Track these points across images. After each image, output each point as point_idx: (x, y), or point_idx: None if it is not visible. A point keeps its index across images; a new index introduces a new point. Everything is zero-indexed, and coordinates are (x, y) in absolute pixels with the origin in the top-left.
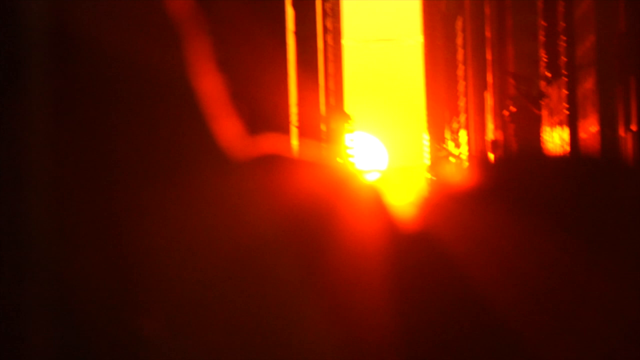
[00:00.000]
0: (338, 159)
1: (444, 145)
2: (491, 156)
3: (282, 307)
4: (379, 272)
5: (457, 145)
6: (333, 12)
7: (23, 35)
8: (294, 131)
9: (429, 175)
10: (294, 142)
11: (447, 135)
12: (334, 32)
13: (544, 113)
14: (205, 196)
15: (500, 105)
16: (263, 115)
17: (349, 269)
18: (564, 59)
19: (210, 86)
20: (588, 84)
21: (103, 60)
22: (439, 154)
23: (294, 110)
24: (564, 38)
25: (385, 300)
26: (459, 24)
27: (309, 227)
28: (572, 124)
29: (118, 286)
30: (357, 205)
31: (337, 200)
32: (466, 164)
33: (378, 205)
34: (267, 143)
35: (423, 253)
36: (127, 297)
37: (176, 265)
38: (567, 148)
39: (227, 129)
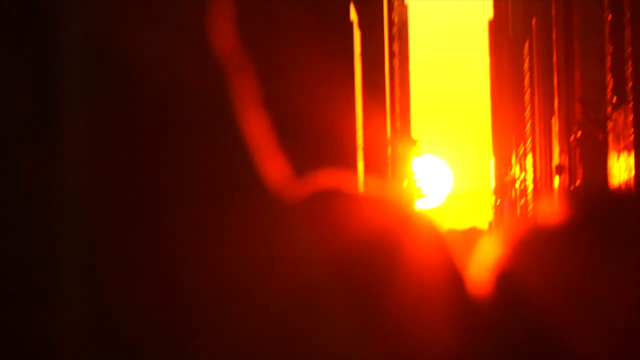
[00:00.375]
0: (403, 196)
1: (510, 170)
2: (557, 181)
3: (334, 356)
4: (443, 326)
5: (523, 170)
6: (400, 35)
7: (63, 58)
8: (359, 154)
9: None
10: (359, 167)
11: (513, 159)
12: (401, 56)
13: (610, 138)
14: (255, 239)
15: (566, 130)
16: (329, 137)
17: (409, 319)
18: (630, 83)
19: (259, 121)
20: None
21: (146, 90)
22: (505, 178)
23: (360, 133)
24: (631, 63)
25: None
26: (526, 48)
27: (366, 271)
28: (638, 149)
29: (163, 332)
30: (421, 252)
31: (400, 244)
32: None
33: (444, 254)
34: (323, 178)
35: (500, 309)
36: (171, 340)
37: (223, 312)
38: (632, 173)
39: (279, 165)
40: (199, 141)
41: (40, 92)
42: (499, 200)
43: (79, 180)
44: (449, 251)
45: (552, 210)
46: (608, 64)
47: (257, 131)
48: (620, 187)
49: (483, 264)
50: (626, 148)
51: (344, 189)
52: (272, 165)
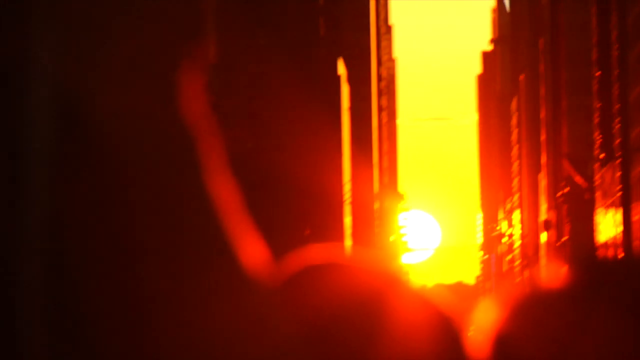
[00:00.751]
0: (388, 262)
1: (497, 225)
2: (544, 236)
3: None
4: None
5: (511, 225)
6: (388, 90)
7: (31, 114)
8: (346, 209)
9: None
10: (346, 222)
11: (501, 214)
12: (389, 110)
13: (598, 195)
14: (227, 308)
15: (553, 186)
16: (316, 191)
17: None
18: (618, 140)
19: (230, 184)
20: None
21: (114, 147)
22: (492, 233)
23: (347, 187)
24: (619, 120)
25: None
26: (513, 104)
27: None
28: (626, 205)
29: None
30: (409, 317)
31: (385, 314)
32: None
33: (441, 329)
34: (305, 254)
35: None
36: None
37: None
38: (620, 229)
39: (253, 249)
40: (167, 201)
41: (6, 149)
42: (486, 255)
43: (41, 240)
44: (439, 313)
45: (549, 274)
46: (596, 120)
47: (228, 195)
48: (608, 247)
49: (481, 327)
50: (613, 204)
51: (325, 262)
52: (245, 235)
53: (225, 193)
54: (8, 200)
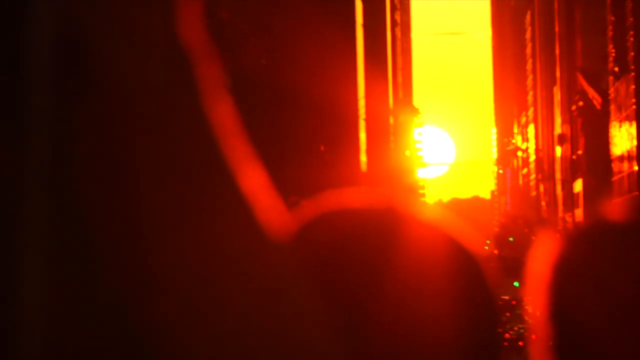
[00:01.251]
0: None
1: (512, 139)
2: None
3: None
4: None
5: (525, 139)
6: (402, 5)
7: (31, 59)
8: (361, 124)
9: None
10: (361, 138)
11: (515, 129)
12: (403, 26)
13: (612, 108)
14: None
15: (568, 100)
16: (331, 108)
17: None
18: (632, 54)
19: (231, 129)
20: None
21: (116, 92)
22: (507, 148)
23: (362, 103)
24: (633, 33)
25: None
26: (528, 18)
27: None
28: None
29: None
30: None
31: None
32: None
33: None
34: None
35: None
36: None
37: (194, 313)
38: (635, 142)
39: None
40: (172, 143)
41: (8, 92)
42: (501, 170)
43: (44, 184)
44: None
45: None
46: (610, 34)
47: (231, 130)
48: (622, 160)
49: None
50: (628, 118)
51: (335, 209)
52: (252, 177)
53: (231, 130)
54: (8, 153)
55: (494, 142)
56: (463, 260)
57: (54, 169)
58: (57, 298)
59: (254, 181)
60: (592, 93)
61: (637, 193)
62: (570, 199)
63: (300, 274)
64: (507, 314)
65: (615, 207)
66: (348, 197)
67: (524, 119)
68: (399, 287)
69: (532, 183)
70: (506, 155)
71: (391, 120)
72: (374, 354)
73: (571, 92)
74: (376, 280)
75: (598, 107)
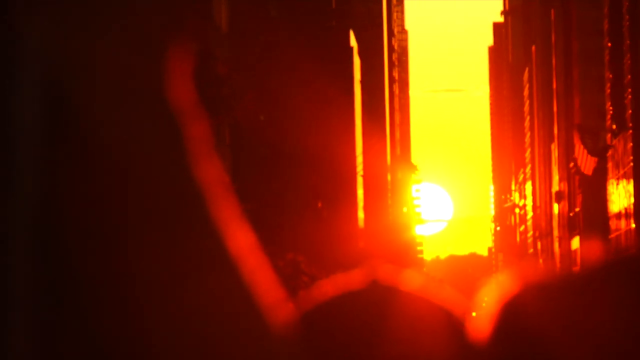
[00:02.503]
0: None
1: (510, 196)
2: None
3: None
4: None
5: (523, 196)
6: (400, 62)
7: (19, 103)
8: (359, 181)
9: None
10: (359, 194)
11: (513, 186)
12: (401, 82)
13: (610, 165)
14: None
15: (566, 157)
16: (329, 164)
17: None
18: (630, 111)
19: (227, 203)
20: None
21: (100, 136)
22: (504, 205)
23: (359, 160)
24: (630, 91)
25: None
26: (525, 75)
27: None
28: (638, 176)
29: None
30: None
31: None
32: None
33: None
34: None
35: None
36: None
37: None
38: (632, 200)
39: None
40: (158, 194)
41: None
42: (498, 227)
43: (35, 234)
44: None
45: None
46: (607, 91)
47: (218, 185)
48: (620, 218)
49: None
50: (625, 175)
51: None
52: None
53: (221, 189)
54: None
55: (492, 199)
56: (452, 329)
57: (42, 225)
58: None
59: (243, 241)
60: (590, 150)
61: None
62: (567, 257)
63: (298, 352)
64: None
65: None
66: (343, 282)
67: (521, 176)
68: (390, 355)
69: (530, 240)
70: (503, 212)
71: (389, 177)
72: None
73: (569, 150)
74: (374, 354)
75: (594, 165)
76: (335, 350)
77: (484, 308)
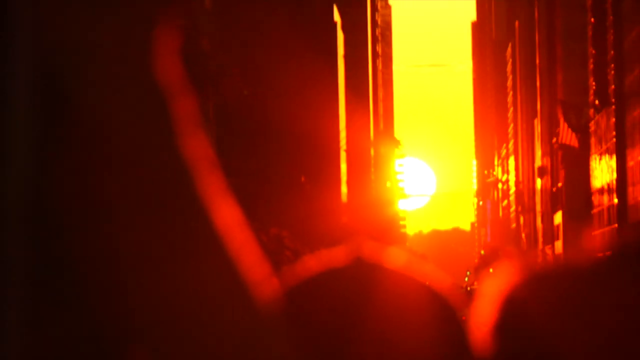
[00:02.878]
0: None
1: (493, 171)
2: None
3: None
4: None
5: (506, 172)
6: (383, 37)
7: (10, 82)
8: (342, 156)
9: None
10: (342, 169)
11: (496, 161)
12: (384, 57)
13: (593, 141)
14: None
15: (549, 133)
16: (313, 139)
17: None
18: (612, 87)
19: (214, 183)
20: (637, 112)
21: (92, 115)
22: (487, 180)
23: (343, 134)
24: (613, 66)
25: None
26: (509, 51)
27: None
28: (620, 152)
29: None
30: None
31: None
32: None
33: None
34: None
35: None
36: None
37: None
38: (614, 175)
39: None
40: (145, 171)
41: None
42: (481, 202)
43: (25, 213)
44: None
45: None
46: (590, 66)
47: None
48: (602, 193)
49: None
50: (608, 151)
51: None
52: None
53: (207, 164)
54: None
55: (475, 174)
56: (436, 305)
57: (34, 204)
58: (37, 333)
59: (230, 217)
60: (572, 126)
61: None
62: (550, 232)
63: (276, 324)
64: None
65: (594, 240)
66: (327, 258)
67: (504, 151)
68: (379, 335)
69: (512, 215)
70: (486, 187)
71: (372, 152)
72: None
73: (552, 125)
74: (358, 331)
75: (577, 141)
76: (319, 326)
77: (483, 297)
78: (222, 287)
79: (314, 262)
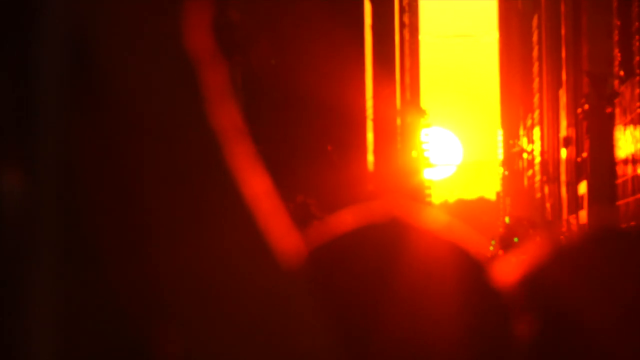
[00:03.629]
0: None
1: (518, 141)
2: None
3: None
4: None
5: (531, 142)
6: (410, 7)
7: (42, 61)
8: (369, 125)
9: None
10: (368, 138)
11: (521, 131)
12: (411, 27)
13: (617, 111)
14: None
15: (574, 103)
16: (339, 109)
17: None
18: (637, 58)
19: (244, 151)
20: None
21: (123, 94)
22: (512, 150)
23: (369, 104)
24: (638, 37)
25: None
26: (535, 21)
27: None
28: None
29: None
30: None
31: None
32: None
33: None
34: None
35: None
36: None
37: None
38: (638, 146)
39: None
40: (178, 147)
41: (19, 94)
42: (506, 171)
43: (55, 183)
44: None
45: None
46: (615, 38)
47: (233, 132)
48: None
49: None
50: (632, 121)
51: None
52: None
53: (236, 134)
54: (17, 144)
55: (500, 144)
56: (467, 267)
57: (62, 174)
58: (66, 303)
59: (258, 186)
60: (598, 96)
61: None
62: (574, 201)
63: (308, 289)
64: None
65: (618, 210)
66: (354, 215)
67: (529, 122)
68: (407, 297)
69: (537, 185)
70: (512, 157)
71: (398, 121)
72: None
73: (577, 95)
74: (385, 293)
75: (603, 110)
76: (348, 290)
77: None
78: (250, 256)
79: (348, 218)
